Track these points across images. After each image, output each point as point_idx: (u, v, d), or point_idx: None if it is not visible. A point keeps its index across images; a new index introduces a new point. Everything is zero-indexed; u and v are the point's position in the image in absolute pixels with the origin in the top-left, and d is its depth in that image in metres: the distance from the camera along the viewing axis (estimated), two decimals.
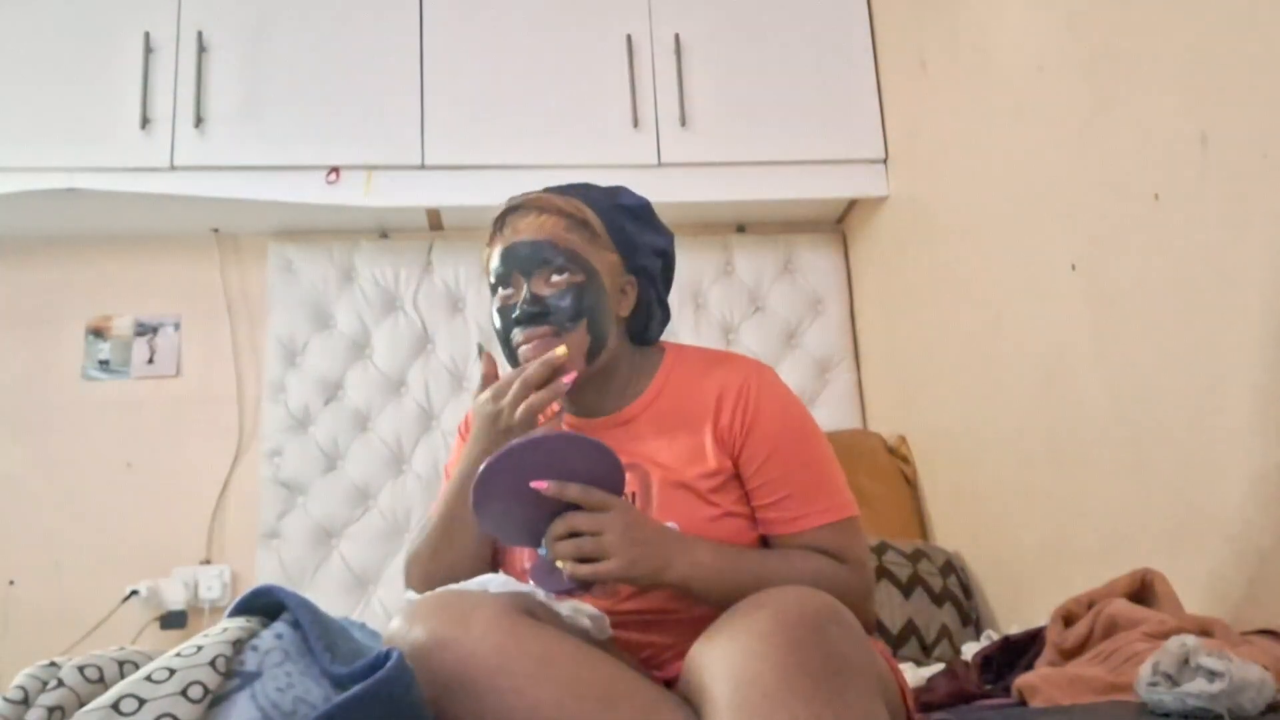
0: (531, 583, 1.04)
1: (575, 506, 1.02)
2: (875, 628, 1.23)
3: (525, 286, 1.15)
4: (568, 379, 1.12)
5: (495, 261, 1.19)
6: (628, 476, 1.13)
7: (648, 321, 1.26)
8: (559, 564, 1.02)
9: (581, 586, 1.04)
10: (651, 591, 1.09)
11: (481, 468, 1.00)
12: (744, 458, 1.14)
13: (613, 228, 1.21)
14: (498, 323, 1.19)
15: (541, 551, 1.04)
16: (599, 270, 1.18)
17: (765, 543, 1.16)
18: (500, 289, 1.18)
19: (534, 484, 1.00)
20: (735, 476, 1.15)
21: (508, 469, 1.00)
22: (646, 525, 1.05)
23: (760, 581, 1.00)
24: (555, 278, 1.15)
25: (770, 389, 1.17)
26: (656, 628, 1.12)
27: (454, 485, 1.16)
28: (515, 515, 1.03)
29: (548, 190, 1.21)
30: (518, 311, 1.15)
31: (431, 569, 1.15)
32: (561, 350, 1.12)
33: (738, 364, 1.20)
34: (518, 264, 1.16)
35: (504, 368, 1.19)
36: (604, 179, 1.29)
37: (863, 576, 1.14)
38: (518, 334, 1.15)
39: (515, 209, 1.19)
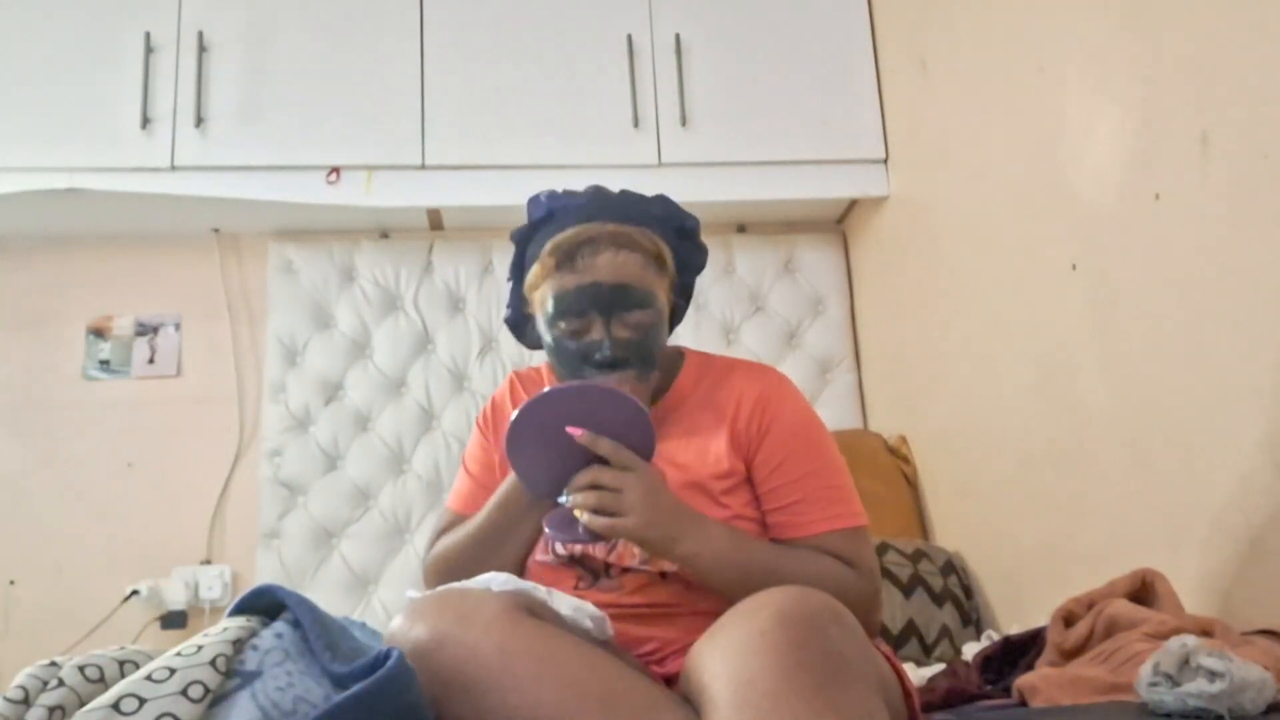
0: (546, 529, 1.07)
1: (604, 462, 1.03)
2: (880, 633, 1.24)
3: (603, 327, 1.15)
4: None
5: (567, 294, 1.15)
6: None
7: (672, 327, 1.29)
8: (576, 514, 1.04)
9: (594, 540, 1.05)
10: (660, 560, 1.10)
11: (519, 409, 1.02)
12: (758, 461, 1.16)
13: (674, 251, 1.24)
14: (567, 349, 1.16)
15: (562, 499, 1.06)
16: (664, 304, 1.21)
17: None
18: (566, 319, 1.15)
19: (569, 429, 1.02)
20: (747, 480, 1.17)
21: (545, 412, 1.02)
22: (668, 495, 1.07)
23: (769, 572, 1.00)
24: (630, 317, 1.15)
25: (789, 396, 1.20)
26: (660, 622, 1.12)
27: (499, 497, 1.17)
28: (543, 460, 1.05)
29: (617, 224, 1.17)
30: (600, 355, 1.14)
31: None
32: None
33: (757, 371, 1.24)
34: (596, 305, 1.14)
35: (548, 379, 1.22)
36: (604, 179, 1.30)
37: (871, 583, 1.14)
38: (601, 378, 1.14)
39: (590, 242, 1.15)
